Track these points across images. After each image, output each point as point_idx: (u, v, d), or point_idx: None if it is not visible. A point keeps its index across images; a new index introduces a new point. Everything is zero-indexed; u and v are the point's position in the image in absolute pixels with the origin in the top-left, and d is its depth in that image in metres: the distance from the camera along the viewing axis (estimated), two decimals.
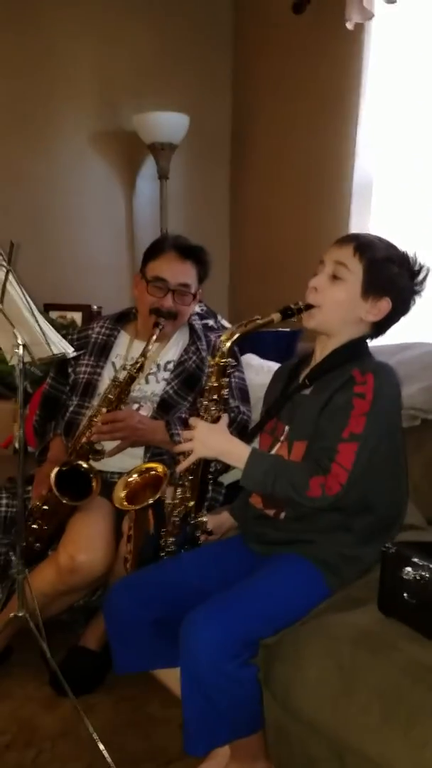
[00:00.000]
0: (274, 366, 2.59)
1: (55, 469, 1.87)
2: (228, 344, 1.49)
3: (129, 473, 1.73)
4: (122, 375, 1.99)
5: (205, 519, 1.64)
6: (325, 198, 3.10)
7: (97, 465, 1.98)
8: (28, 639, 1.76)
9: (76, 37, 3.41)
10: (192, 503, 1.61)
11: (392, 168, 2.83)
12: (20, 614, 1.69)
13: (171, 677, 1.45)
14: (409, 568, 1.23)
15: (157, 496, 1.63)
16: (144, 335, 2.13)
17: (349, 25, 2.72)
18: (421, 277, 1.51)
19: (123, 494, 1.68)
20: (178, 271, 2.07)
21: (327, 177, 3.09)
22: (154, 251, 2.12)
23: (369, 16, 2.69)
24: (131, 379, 1.97)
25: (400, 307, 1.51)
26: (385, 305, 1.48)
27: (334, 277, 1.48)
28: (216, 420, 1.53)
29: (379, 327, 1.54)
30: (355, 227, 2.86)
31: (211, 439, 1.46)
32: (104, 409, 1.96)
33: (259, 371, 2.54)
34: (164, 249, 2.10)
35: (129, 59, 3.52)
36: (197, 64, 3.67)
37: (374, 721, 1.15)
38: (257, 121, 3.64)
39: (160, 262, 2.08)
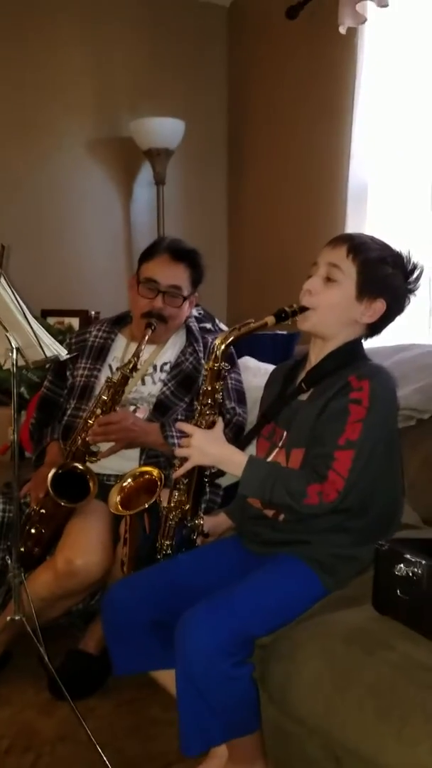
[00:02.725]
0: (272, 368, 2.61)
1: (52, 472, 1.87)
2: (222, 348, 1.50)
3: (123, 478, 1.73)
4: (116, 376, 2.00)
5: (201, 521, 1.64)
6: (321, 201, 3.11)
7: (94, 467, 1.98)
8: (27, 644, 1.76)
9: (72, 44, 3.45)
10: (188, 506, 1.61)
11: (387, 171, 2.84)
12: (16, 618, 1.69)
13: (170, 679, 1.44)
14: (401, 565, 1.22)
15: (152, 500, 1.63)
16: (139, 339, 2.14)
17: (342, 30, 2.73)
18: (414, 276, 1.51)
19: (118, 499, 1.68)
20: (169, 273, 2.08)
21: (323, 180, 3.10)
22: (148, 253, 2.14)
23: (362, 20, 2.71)
24: (125, 379, 1.97)
25: (395, 307, 1.51)
26: (380, 306, 1.48)
27: (328, 279, 1.47)
28: (211, 425, 1.53)
29: (374, 327, 1.53)
30: (351, 230, 2.87)
31: (208, 447, 1.46)
32: (98, 411, 1.97)
33: (257, 373, 2.54)
34: (158, 251, 2.12)
35: (124, 66, 3.55)
36: (192, 70, 3.70)
37: (368, 720, 1.14)
38: (253, 126, 3.66)
39: (153, 264, 2.10)
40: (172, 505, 1.61)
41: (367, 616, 1.30)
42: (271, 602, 1.39)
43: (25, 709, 1.86)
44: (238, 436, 2.03)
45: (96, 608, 2.01)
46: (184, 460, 1.48)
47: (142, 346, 1.99)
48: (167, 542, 1.63)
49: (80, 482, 1.91)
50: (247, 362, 2.66)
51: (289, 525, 1.50)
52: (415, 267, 1.51)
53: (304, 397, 1.53)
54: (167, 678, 1.51)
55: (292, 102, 3.33)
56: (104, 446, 2.01)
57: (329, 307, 1.48)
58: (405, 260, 1.51)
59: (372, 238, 1.52)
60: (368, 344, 1.58)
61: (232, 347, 2.20)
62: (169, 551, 1.63)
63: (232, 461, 1.44)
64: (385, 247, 1.51)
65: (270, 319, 1.47)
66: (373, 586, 1.31)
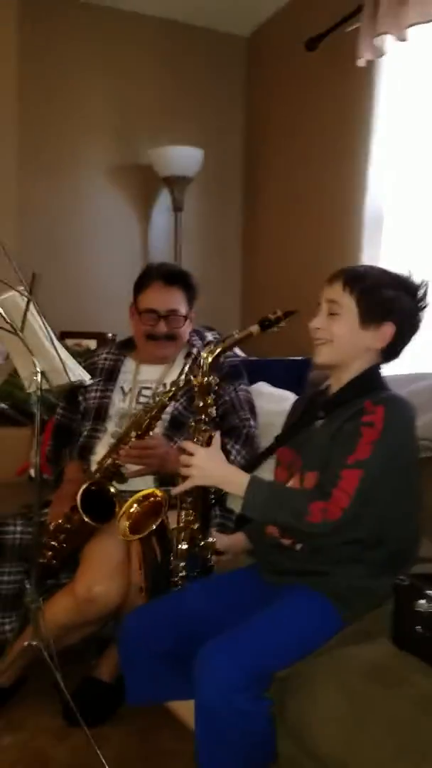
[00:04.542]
0: (285, 394, 2.62)
1: (84, 485, 1.89)
2: (210, 361, 1.53)
3: (129, 504, 1.70)
4: (154, 401, 2.02)
5: (213, 540, 1.62)
6: (337, 231, 3.13)
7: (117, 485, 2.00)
8: (42, 669, 1.77)
9: (93, 73, 3.52)
10: (197, 525, 1.59)
11: (403, 200, 2.87)
12: (34, 643, 1.70)
13: (184, 710, 1.45)
14: (422, 601, 1.22)
15: (158, 521, 1.60)
16: (147, 361, 2.22)
17: (361, 62, 2.77)
18: (421, 293, 1.51)
19: (126, 525, 1.66)
20: (166, 299, 2.16)
21: (339, 210, 3.12)
22: (141, 283, 2.21)
23: (380, 53, 2.75)
24: (163, 406, 1.98)
25: (407, 327, 1.50)
26: (389, 329, 1.48)
27: (331, 314, 1.50)
28: (208, 440, 1.53)
29: (390, 351, 1.53)
30: (367, 259, 2.89)
31: (209, 467, 1.47)
32: (134, 434, 1.98)
33: (270, 399, 2.55)
34: (151, 280, 2.18)
35: (145, 95, 3.62)
36: (211, 100, 3.76)
37: (387, 756, 1.14)
38: (270, 155, 3.71)
39: (148, 293, 2.17)
40: (181, 525, 1.60)
41: (386, 651, 1.30)
42: (289, 636, 1.39)
43: (39, 735, 1.86)
44: (253, 448, 2.06)
45: (110, 635, 2.01)
46: (185, 477, 1.49)
47: (182, 376, 2.02)
48: (181, 563, 1.61)
49: (107, 503, 1.92)
50: (261, 388, 2.67)
51: (308, 555, 1.49)
52: (419, 285, 1.51)
53: (320, 423, 1.54)
54: (181, 708, 1.51)
55: (309, 132, 3.37)
56: (130, 467, 2.02)
57: (339, 338, 1.49)
58: (406, 280, 1.51)
59: (368, 267, 1.54)
60: (386, 371, 1.57)
61: (241, 366, 2.27)
62: (183, 573, 1.62)
63: (234, 482, 1.45)
64: (381, 273, 1.52)
65: (254, 329, 1.50)
66: (393, 621, 1.30)
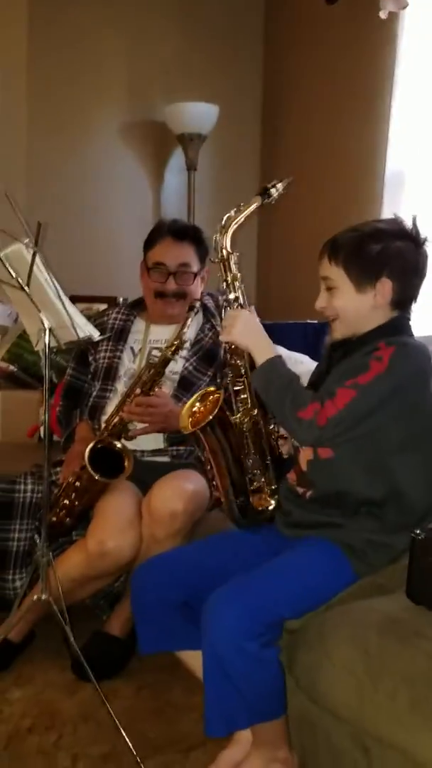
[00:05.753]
0: (301, 357, 2.59)
1: (90, 445, 1.88)
2: (227, 237, 1.57)
3: (190, 403, 1.66)
4: (157, 358, 2.01)
5: (273, 426, 1.63)
6: (356, 190, 3.07)
7: (130, 444, 1.99)
8: (51, 624, 1.77)
9: (107, 27, 3.45)
10: (256, 411, 1.59)
11: (425, 159, 2.79)
12: (43, 597, 1.69)
13: (195, 661, 1.44)
14: None
15: (216, 410, 1.57)
16: (157, 320, 2.19)
17: (383, 14, 2.69)
18: (413, 231, 1.46)
19: (188, 421, 1.64)
20: (176, 254, 2.13)
21: (358, 169, 3.06)
22: (151, 239, 2.18)
23: (403, 5, 2.66)
24: (166, 361, 1.98)
25: (407, 272, 1.46)
26: (386, 283, 1.45)
27: (329, 290, 1.49)
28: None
29: (401, 300, 1.48)
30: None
31: (248, 328, 1.52)
32: (139, 390, 1.97)
33: (287, 361, 2.51)
34: (161, 235, 2.16)
35: (159, 50, 3.55)
36: (227, 55, 3.69)
37: (401, 709, 1.12)
38: (288, 112, 3.63)
39: (158, 249, 2.15)
40: (240, 415, 1.60)
41: (401, 605, 1.28)
42: (300, 584, 1.38)
43: (48, 689, 1.86)
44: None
45: (120, 590, 2.01)
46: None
47: (185, 329, 2.00)
48: (250, 462, 1.61)
49: (116, 459, 1.92)
50: (277, 350, 2.63)
51: (317, 506, 1.49)
52: (396, 225, 1.47)
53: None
54: (192, 660, 1.50)
55: (328, 88, 3.29)
56: (138, 425, 2.02)
57: (343, 311, 1.49)
58: (391, 226, 1.48)
59: (348, 230, 1.50)
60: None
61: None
62: (257, 472, 1.61)
63: (263, 350, 1.50)
64: (360, 231, 1.48)
65: (257, 199, 1.58)
66: (408, 575, 1.28)
